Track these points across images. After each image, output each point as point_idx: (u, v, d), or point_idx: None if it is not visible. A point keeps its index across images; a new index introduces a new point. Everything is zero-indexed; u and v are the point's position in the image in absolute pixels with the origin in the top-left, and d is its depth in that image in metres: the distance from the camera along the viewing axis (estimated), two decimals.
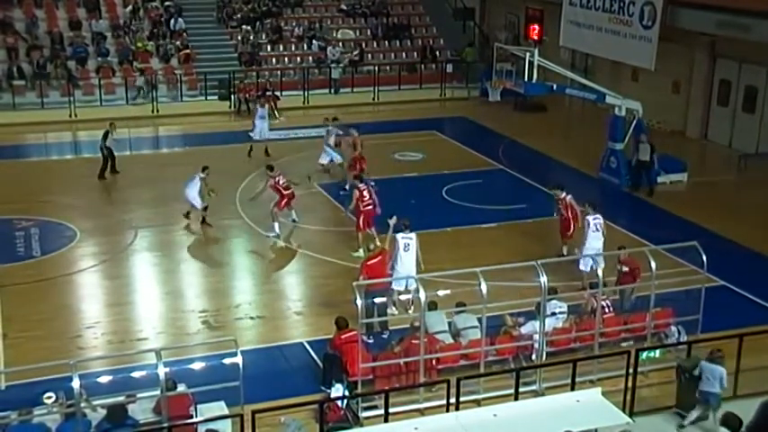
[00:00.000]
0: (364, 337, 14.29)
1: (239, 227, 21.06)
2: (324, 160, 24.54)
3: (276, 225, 20.16)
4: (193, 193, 20.64)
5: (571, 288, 16.43)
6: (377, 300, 15.05)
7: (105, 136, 24.53)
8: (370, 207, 18.99)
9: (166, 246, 20.09)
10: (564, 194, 18.65)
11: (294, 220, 20.86)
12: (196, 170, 20.91)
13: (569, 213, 18.47)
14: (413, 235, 16.25)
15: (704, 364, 12.62)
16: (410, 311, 15.81)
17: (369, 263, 15.75)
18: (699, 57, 28.47)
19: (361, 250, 18.88)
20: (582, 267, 16.80)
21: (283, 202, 20.27)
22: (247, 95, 32.06)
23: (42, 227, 20.69)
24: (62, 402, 12.01)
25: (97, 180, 24.33)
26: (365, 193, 18.98)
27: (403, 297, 13.14)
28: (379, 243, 17.28)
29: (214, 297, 17.45)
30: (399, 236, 16.16)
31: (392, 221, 16.44)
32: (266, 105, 27.50)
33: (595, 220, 17.42)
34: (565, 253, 18.70)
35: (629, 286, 15.60)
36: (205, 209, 20.77)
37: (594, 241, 17.21)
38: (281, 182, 20.33)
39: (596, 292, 14.59)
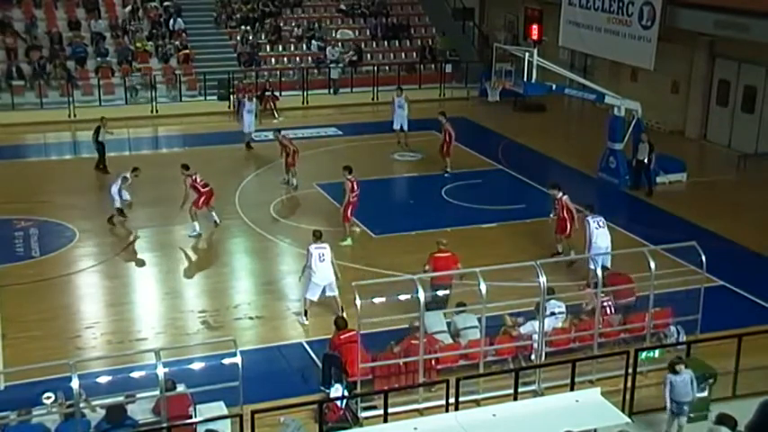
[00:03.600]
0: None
1: (239, 227, 21.07)
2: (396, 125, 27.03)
3: (196, 224, 20.36)
4: (115, 188, 20.77)
5: (571, 288, 16.43)
6: (440, 292, 15.15)
7: (97, 131, 24.84)
8: (357, 199, 19.81)
9: (166, 246, 20.10)
10: (561, 195, 18.73)
11: (216, 222, 20.86)
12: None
13: (565, 213, 18.55)
14: (326, 245, 16.34)
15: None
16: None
17: (437, 255, 16.00)
18: (698, 57, 28.47)
19: (349, 239, 19.62)
20: (592, 266, 16.81)
21: (201, 200, 20.43)
22: (247, 95, 32.05)
23: (41, 227, 20.69)
24: (61, 402, 12.01)
25: (95, 175, 24.49)
26: (355, 185, 19.67)
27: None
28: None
29: (213, 297, 17.45)
30: (313, 247, 16.17)
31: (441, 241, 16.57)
32: (254, 99, 28.06)
33: (597, 220, 17.50)
34: (560, 250, 18.84)
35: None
36: (120, 211, 20.85)
37: (601, 240, 17.31)
38: (198, 180, 20.48)
39: (596, 291, 14.60)
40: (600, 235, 17.36)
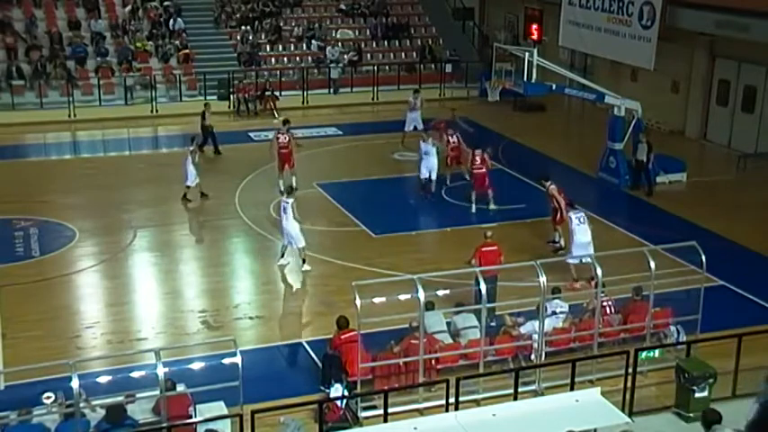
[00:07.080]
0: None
1: (239, 227, 21.06)
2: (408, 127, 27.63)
3: (280, 182, 22.37)
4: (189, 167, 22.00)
5: (569, 287, 16.44)
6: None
7: (203, 116, 26.34)
8: (455, 153, 23.21)
9: (166, 246, 20.09)
10: (548, 184, 19.12)
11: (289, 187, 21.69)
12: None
13: (554, 203, 18.93)
14: (290, 200, 18.18)
15: None
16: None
17: (483, 249, 16.25)
18: (698, 56, 28.47)
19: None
20: (570, 261, 17.07)
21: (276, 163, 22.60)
22: (246, 95, 32.11)
23: (41, 227, 20.68)
24: (61, 402, 12.00)
25: (95, 175, 24.50)
26: (452, 138, 23.33)
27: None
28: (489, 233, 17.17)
29: (213, 297, 17.45)
30: (283, 198, 18.52)
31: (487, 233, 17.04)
32: (429, 139, 23.28)
33: (577, 215, 17.61)
34: (556, 239, 19.19)
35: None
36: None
37: (581, 235, 17.44)
38: (280, 139, 22.59)
39: (596, 291, 14.60)
40: (580, 231, 17.44)
